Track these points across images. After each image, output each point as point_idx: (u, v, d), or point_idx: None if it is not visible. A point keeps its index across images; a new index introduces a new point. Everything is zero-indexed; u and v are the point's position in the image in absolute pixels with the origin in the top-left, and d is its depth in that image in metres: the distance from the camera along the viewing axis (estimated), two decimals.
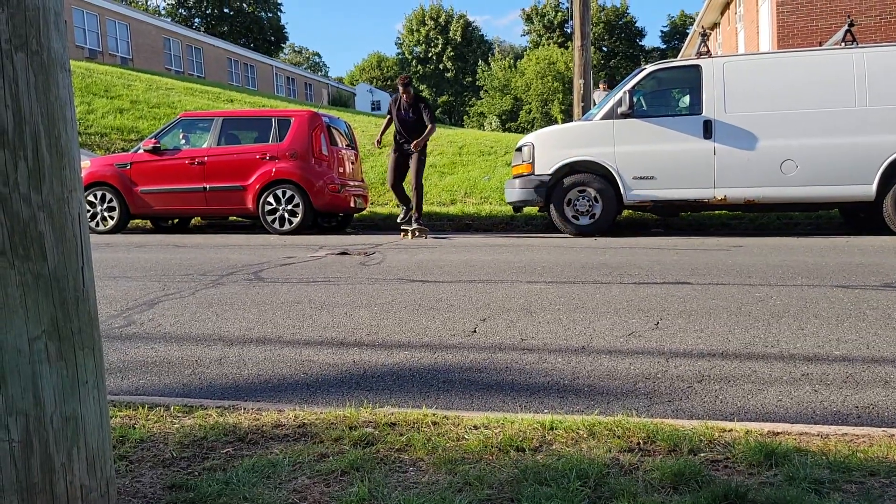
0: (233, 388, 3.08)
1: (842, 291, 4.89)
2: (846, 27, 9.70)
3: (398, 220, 10.32)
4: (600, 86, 18.65)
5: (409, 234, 9.89)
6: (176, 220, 12.20)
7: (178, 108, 19.03)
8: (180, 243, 9.24)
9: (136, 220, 11.89)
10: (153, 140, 10.96)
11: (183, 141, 11.13)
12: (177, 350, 3.67)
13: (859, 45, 9.48)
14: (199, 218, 12.47)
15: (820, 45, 11.63)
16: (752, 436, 2.19)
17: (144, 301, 4.93)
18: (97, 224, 10.85)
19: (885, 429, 2.33)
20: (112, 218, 10.89)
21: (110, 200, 10.86)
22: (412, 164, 9.95)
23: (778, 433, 2.25)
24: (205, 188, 10.61)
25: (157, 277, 5.97)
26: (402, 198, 10.24)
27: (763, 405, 2.76)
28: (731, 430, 2.26)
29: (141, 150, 10.97)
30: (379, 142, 10.44)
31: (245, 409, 2.59)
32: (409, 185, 10.24)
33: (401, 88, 9.97)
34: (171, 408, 2.59)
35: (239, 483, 1.89)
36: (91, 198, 10.85)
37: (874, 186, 8.94)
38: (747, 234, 10.15)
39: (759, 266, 6.23)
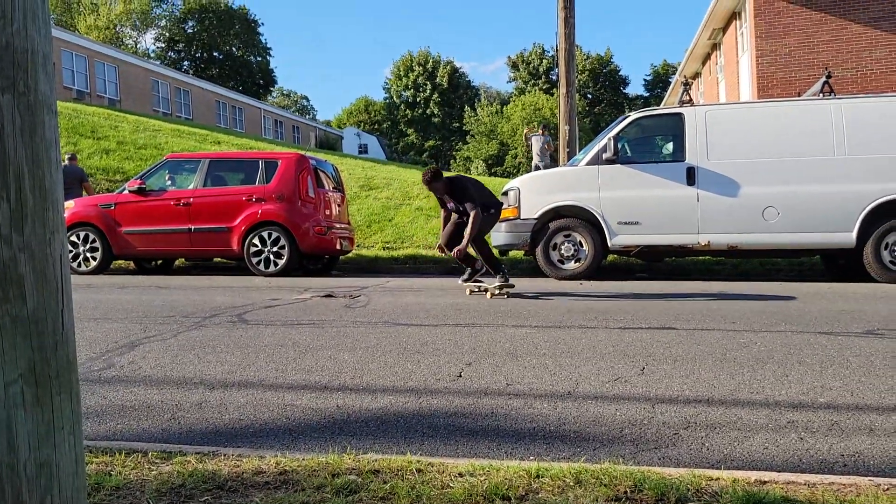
0: (213, 433, 3.02)
1: (825, 338, 4.91)
2: (824, 78, 9.93)
3: (461, 281, 8.41)
4: (539, 130, 18.79)
5: (489, 292, 7.86)
6: (160, 262, 12.12)
7: (165, 150, 19.07)
8: (163, 284, 9.16)
9: (120, 261, 11.80)
10: (138, 181, 10.94)
11: (169, 182, 11.12)
12: (156, 394, 3.61)
13: (837, 96, 9.70)
14: (183, 259, 12.40)
15: (799, 96, 11.88)
16: (739, 484, 2.17)
17: (125, 343, 4.87)
18: (79, 265, 10.76)
19: (871, 478, 2.32)
20: (95, 259, 10.80)
21: (93, 241, 10.78)
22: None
23: (765, 482, 2.23)
24: (190, 229, 10.57)
25: (139, 319, 5.91)
26: (465, 259, 8.17)
27: (749, 452, 2.74)
28: (718, 479, 2.24)
29: (126, 191, 10.94)
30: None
31: (225, 455, 2.54)
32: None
33: (427, 188, 8.24)
34: (149, 454, 2.53)
35: None
36: (74, 238, 10.78)
37: (854, 234, 9.06)
38: (731, 279, 10.21)
39: (743, 312, 6.25)
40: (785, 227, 9.21)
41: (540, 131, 18.70)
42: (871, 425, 3.03)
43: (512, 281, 7.95)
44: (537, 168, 17.89)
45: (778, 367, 4.05)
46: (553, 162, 17.69)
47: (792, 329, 5.28)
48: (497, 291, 7.80)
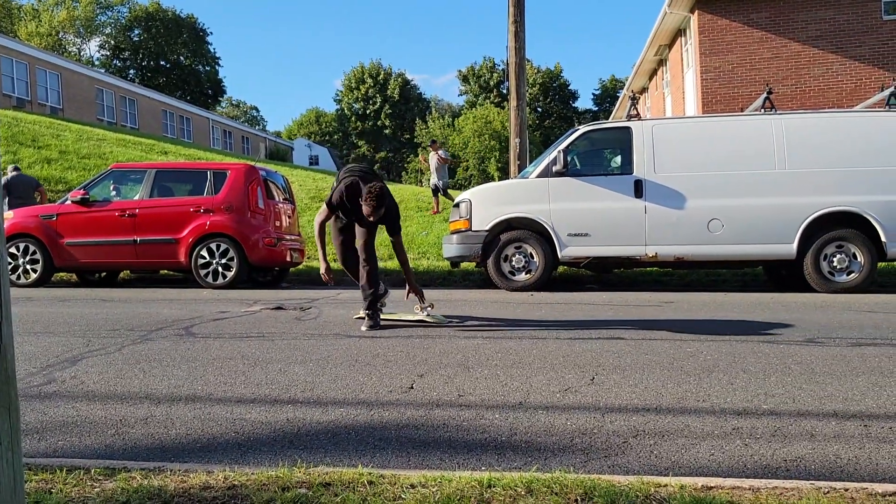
0: (160, 448, 2.95)
1: (768, 346, 5.04)
2: (765, 94, 10.25)
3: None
4: (431, 147, 18.35)
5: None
6: (103, 274, 11.82)
7: (110, 160, 18.65)
8: (107, 297, 8.93)
9: (61, 273, 11.47)
10: (82, 191, 10.66)
11: (114, 193, 10.86)
12: (100, 409, 3.51)
13: (777, 112, 10.02)
14: (128, 271, 12.11)
15: (742, 111, 12.23)
16: (686, 491, 2.21)
17: (67, 358, 4.72)
18: (18, 277, 10.42)
19: (812, 481, 2.38)
20: (35, 271, 10.47)
21: (34, 252, 10.46)
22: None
23: (711, 487, 2.28)
24: (135, 241, 10.34)
25: (82, 333, 5.74)
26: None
27: (696, 459, 2.79)
28: (666, 486, 2.27)
29: (68, 202, 10.65)
30: None
31: (171, 470, 2.48)
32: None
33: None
34: (92, 471, 2.46)
35: None
36: (13, 250, 10.44)
37: (795, 245, 9.34)
38: (678, 290, 10.42)
39: (690, 321, 6.38)
40: (729, 238, 9.45)
41: (431, 147, 18.24)
42: (812, 430, 3.12)
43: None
44: (435, 185, 17.54)
45: (723, 375, 4.14)
46: (449, 176, 17.51)
47: (737, 338, 5.41)
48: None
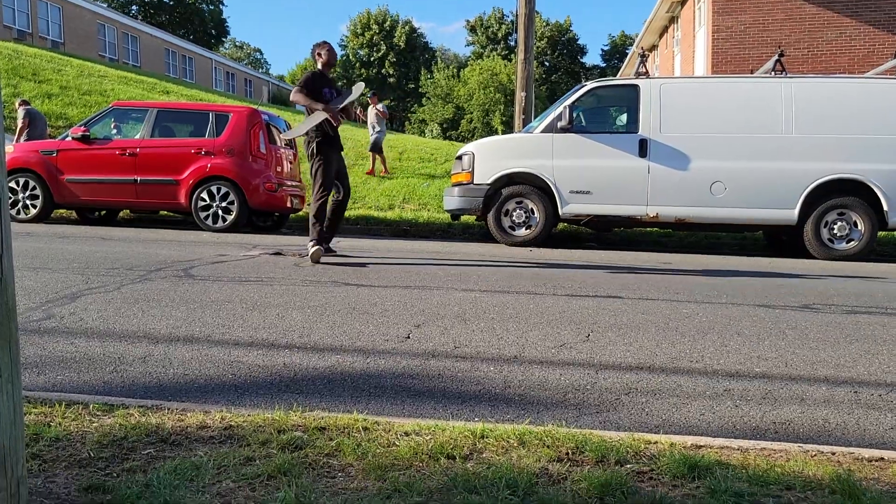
0: (157, 387, 2.99)
1: (763, 311, 5.07)
2: (776, 57, 10.11)
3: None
4: (370, 100, 17.18)
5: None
6: (103, 212, 11.81)
7: (111, 97, 18.44)
8: (107, 236, 8.94)
9: (61, 210, 11.45)
10: (83, 128, 10.58)
11: (114, 131, 10.78)
12: (98, 346, 3.54)
13: (788, 75, 9.89)
14: (127, 210, 12.10)
15: (752, 73, 12.08)
16: (676, 449, 2.24)
17: (66, 294, 4.75)
18: (18, 212, 10.41)
19: (800, 444, 2.42)
20: (35, 206, 10.46)
21: (33, 188, 10.43)
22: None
23: (701, 446, 2.31)
24: (136, 180, 10.29)
25: (81, 270, 5.76)
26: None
27: (687, 419, 2.83)
28: (656, 443, 2.31)
29: (69, 138, 10.58)
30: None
31: (169, 409, 2.52)
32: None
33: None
34: (91, 406, 2.49)
35: (160, 486, 1.83)
36: (13, 184, 10.41)
37: (796, 211, 9.32)
38: (677, 251, 10.44)
39: (687, 283, 6.40)
40: (731, 202, 9.42)
41: (370, 100, 17.13)
42: (803, 395, 3.15)
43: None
44: (376, 140, 15.86)
45: (718, 337, 4.17)
46: (386, 128, 16.21)
47: (733, 301, 5.43)
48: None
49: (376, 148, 15.87)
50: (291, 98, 7.26)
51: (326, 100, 7.14)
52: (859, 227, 9.27)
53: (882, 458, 2.26)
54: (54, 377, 3.07)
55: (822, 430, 2.75)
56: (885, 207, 9.15)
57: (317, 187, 7.14)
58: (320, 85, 7.22)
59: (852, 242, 9.32)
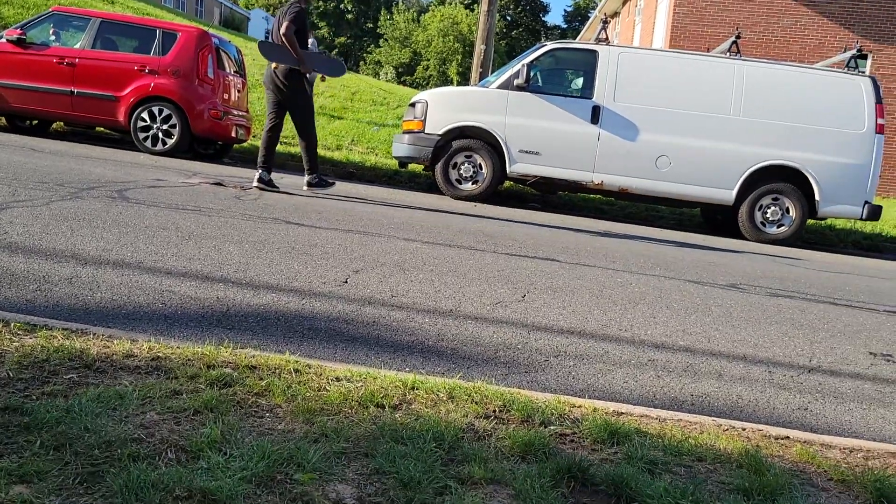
0: (83, 310, 2.91)
1: (693, 286, 5.23)
2: (733, 38, 10.23)
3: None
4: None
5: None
6: (35, 122, 11.27)
7: (52, 1, 17.46)
8: (38, 147, 8.56)
9: None
10: (18, 30, 10.00)
11: (53, 37, 10.23)
12: (22, 262, 3.41)
13: (742, 58, 10.04)
14: (62, 123, 11.57)
15: (708, 51, 12.21)
16: (598, 414, 2.31)
17: None
18: None
19: (714, 418, 2.53)
20: None
21: None
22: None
23: (622, 413, 2.39)
24: (72, 92, 9.84)
25: (8, 181, 5.51)
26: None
27: (611, 385, 2.91)
28: (580, 406, 2.37)
29: (3, 40, 9.99)
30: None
31: (95, 334, 2.45)
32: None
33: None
34: (11, 324, 2.41)
35: (81, 412, 1.79)
36: None
37: (734, 192, 9.57)
38: (617, 220, 10.62)
39: (624, 253, 6.54)
40: (674, 177, 9.60)
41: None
42: (721, 371, 3.28)
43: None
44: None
45: (647, 308, 4.29)
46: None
47: (665, 275, 5.58)
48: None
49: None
50: (284, 34, 7.36)
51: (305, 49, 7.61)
52: (791, 214, 9.60)
53: (788, 437, 2.39)
54: None
55: (736, 405, 2.88)
56: (818, 197, 9.48)
57: (310, 120, 7.80)
58: (305, 28, 7.60)
59: (783, 227, 9.65)
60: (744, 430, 2.41)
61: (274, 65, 7.55)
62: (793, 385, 3.22)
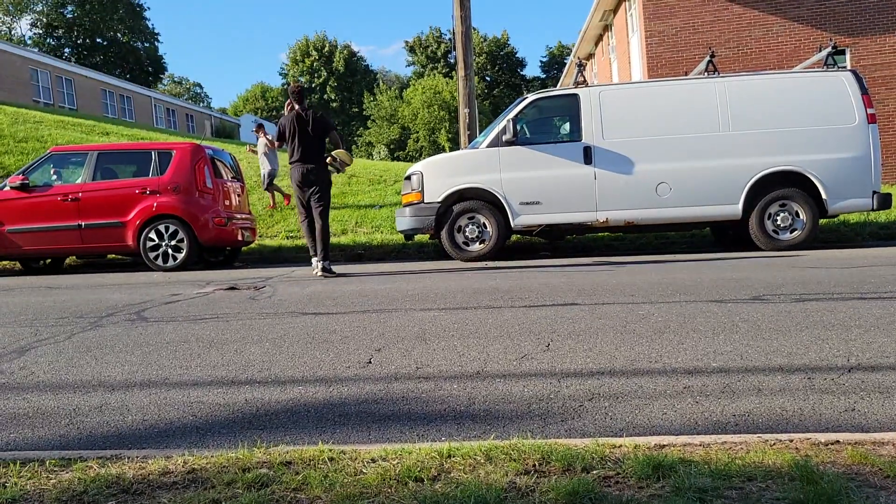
0: (115, 436, 2.92)
1: (716, 306, 5.18)
2: (708, 58, 10.40)
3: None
4: (256, 131, 15.91)
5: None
6: (48, 261, 11.51)
7: (49, 143, 18.04)
8: (54, 285, 8.71)
9: (4, 262, 11.13)
10: (21, 176, 10.33)
11: (55, 177, 10.55)
12: (52, 399, 3.44)
13: (721, 75, 10.18)
14: (74, 257, 11.81)
15: (686, 75, 12.40)
16: (640, 450, 2.27)
17: (14, 348, 4.61)
18: None
19: (759, 435, 2.47)
20: None
21: None
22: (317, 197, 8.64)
23: (664, 446, 2.35)
24: (80, 225, 10.08)
25: (29, 322, 5.60)
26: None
27: (650, 419, 2.87)
28: (620, 446, 2.34)
29: (7, 188, 10.32)
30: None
31: (129, 457, 2.46)
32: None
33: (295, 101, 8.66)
34: (47, 462, 2.42)
35: None
36: None
37: (740, 205, 9.57)
38: (629, 254, 10.61)
39: (641, 285, 6.51)
40: (677, 201, 9.63)
41: (256, 132, 15.89)
42: (759, 386, 3.23)
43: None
44: (269, 173, 15.13)
45: (674, 335, 4.25)
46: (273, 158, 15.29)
47: (686, 299, 5.54)
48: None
49: (271, 185, 15.32)
50: (344, 145, 9.17)
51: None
52: (801, 217, 9.56)
53: (838, 441, 2.33)
54: (7, 436, 2.97)
55: (781, 418, 2.82)
56: (824, 196, 9.45)
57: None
58: None
59: (796, 232, 9.60)
60: (791, 441, 2.36)
61: (310, 165, 8.48)
62: (835, 387, 3.16)
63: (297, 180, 8.54)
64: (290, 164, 8.62)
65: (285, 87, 73.43)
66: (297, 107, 8.58)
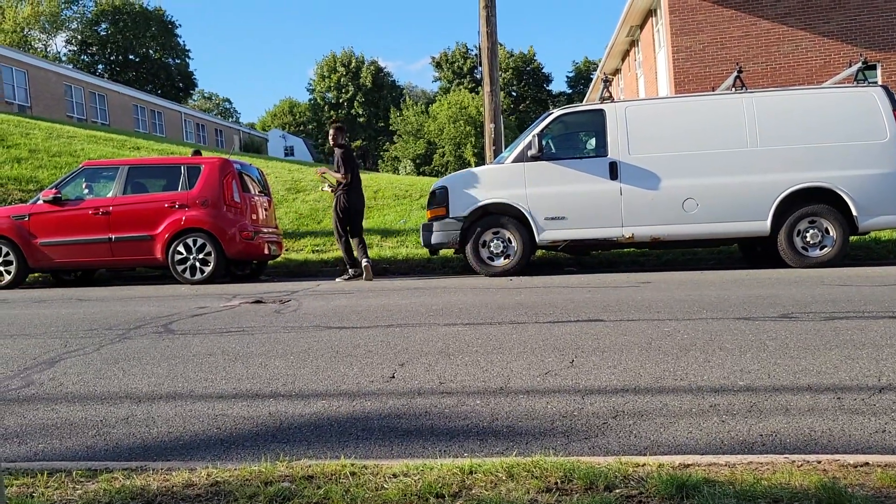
0: (141, 448, 2.95)
1: (744, 323, 5.12)
2: (736, 73, 10.32)
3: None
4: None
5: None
6: (79, 273, 11.70)
7: (81, 157, 18.39)
8: (84, 297, 8.85)
9: (36, 274, 11.33)
10: (54, 190, 10.54)
11: (86, 191, 10.73)
12: (80, 410, 3.49)
13: (748, 90, 10.10)
14: (104, 269, 12.00)
15: (713, 90, 12.32)
16: (664, 469, 2.25)
17: (44, 360, 4.69)
18: None
19: (786, 455, 2.44)
20: (9, 273, 10.35)
21: (6, 254, 10.33)
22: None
23: (688, 465, 2.32)
24: (110, 238, 10.24)
25: (59, 334, 5.69)
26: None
27: (675, 437, 2.84)
28: (644, 465, 2.31)
29: (40, 201, 10.52)
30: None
31: (154, 469, 2.48)
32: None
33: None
34: (73, 473, 2.45)
35: None
36: None
37: (769, 222, 9.46)
38: (655, 270, 10.52)
39: (667, 301, 6.45)
40: (704, 217, 9.54)
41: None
42: (787, 405, 3.18)
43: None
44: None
45: (700, 353, 4.21)
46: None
47: (713, 316, 5.48)
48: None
49: None
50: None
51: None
52: (831, 234, 9.42)
53: (867, 463, 2.29)
54: (36, 446, 3.02)
55: (809, 438, 2.77)
56: (854, 212, 9.31)
57: None
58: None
59: (826, 249, 9.45)
60: (819, 462, 2.32)
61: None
62: (865, 408, 3.10)
63: (362, 204, 10.73)
64: (350, 189, 10.44)
65: (311, 101, 74.21)
66: (345, 140, 10.78)
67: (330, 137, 10.86)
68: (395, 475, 2.28)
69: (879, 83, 10.25)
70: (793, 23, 19.60)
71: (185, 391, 3.78)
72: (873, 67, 18.92)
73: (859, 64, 9.99)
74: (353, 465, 2.39)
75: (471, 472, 2.26)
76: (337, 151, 10.62)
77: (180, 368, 4.31)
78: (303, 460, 2.51)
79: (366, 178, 20.66)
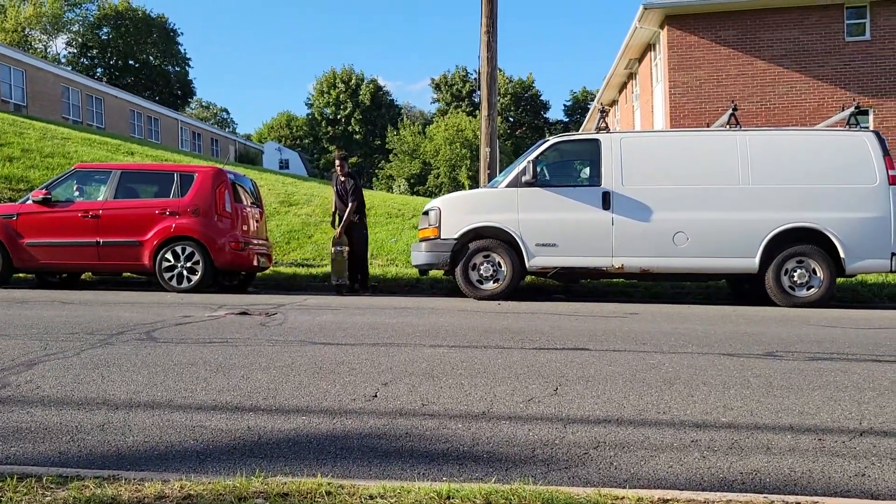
0: (115, 456, 2.90)
1: (728, 359, 5.12)
2: (731, 111, 10.43)
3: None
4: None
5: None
6: (64, 275, 11.60)
7: (74, 159, 18.33)
8: (67, 300, 8.77)
9: (21, 274, 11.23)
10: (44, 191, 10.48)
11: (77, 193, 10.69)
12: (55, 415, 3.44)
13: (742, 128, 10.20)
14: (89, 273, 11.91)
15: (708, 126, 12.44)
16: (643, 503, 2.23)
17: (22, 361, 4.63)
18: None
19: (765, 495, 2.42)
20: None
21: None
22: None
23: (667, 500, 2.30)
24: (98, 242, 10.17)
25: (39, 336, 5.63)
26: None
27: (655, 471, 2.82)
28: (623, 498, 2.29)
29: (30, 201, 10.46)
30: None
31: (126, 479, 2.44)
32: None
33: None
34: (44, 478, 2.41)
35: None
36: None
37: (757, 259, 9.50)
38: (643, 301, 10.54)
39: (653, 333, 6.45)
40: (694, 251, 9.58)
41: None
42: (769, 444, 3.17)
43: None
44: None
45: (684, 387, 4.20)
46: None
47: (698, 350, 5.48)
48: None
49: None
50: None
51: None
52: (818, 274, 9.47)
53: None
54: (8, 449, 2.97)
55: (789, 479, 2.76)
56: (842, 255, 9.37)
57: None
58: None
59: (812, 289, 9.50)
60: (798, 503, 2.31)
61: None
62: (846, 451, 3.10)
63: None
64: (360, 217, 11.31)
65: (309, 116, 74.39)
66: (350, 168, 11.58)
67: (338, 167, 11.50)
68: (371, 496, 2.25)
69: (871, 128, 10.38)
70: (788, 65, 19.87)
71: (163, 400, 3.74)
72: (865, 113, 19.17)
73: (852, 108, 10.12)
74: (329, 483, 2.36)
75: (448, 497, 2.24)
76: (349, 182, 11.20)
77: (160, 377, 4.26)
78: (279, 477, 2.47)
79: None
